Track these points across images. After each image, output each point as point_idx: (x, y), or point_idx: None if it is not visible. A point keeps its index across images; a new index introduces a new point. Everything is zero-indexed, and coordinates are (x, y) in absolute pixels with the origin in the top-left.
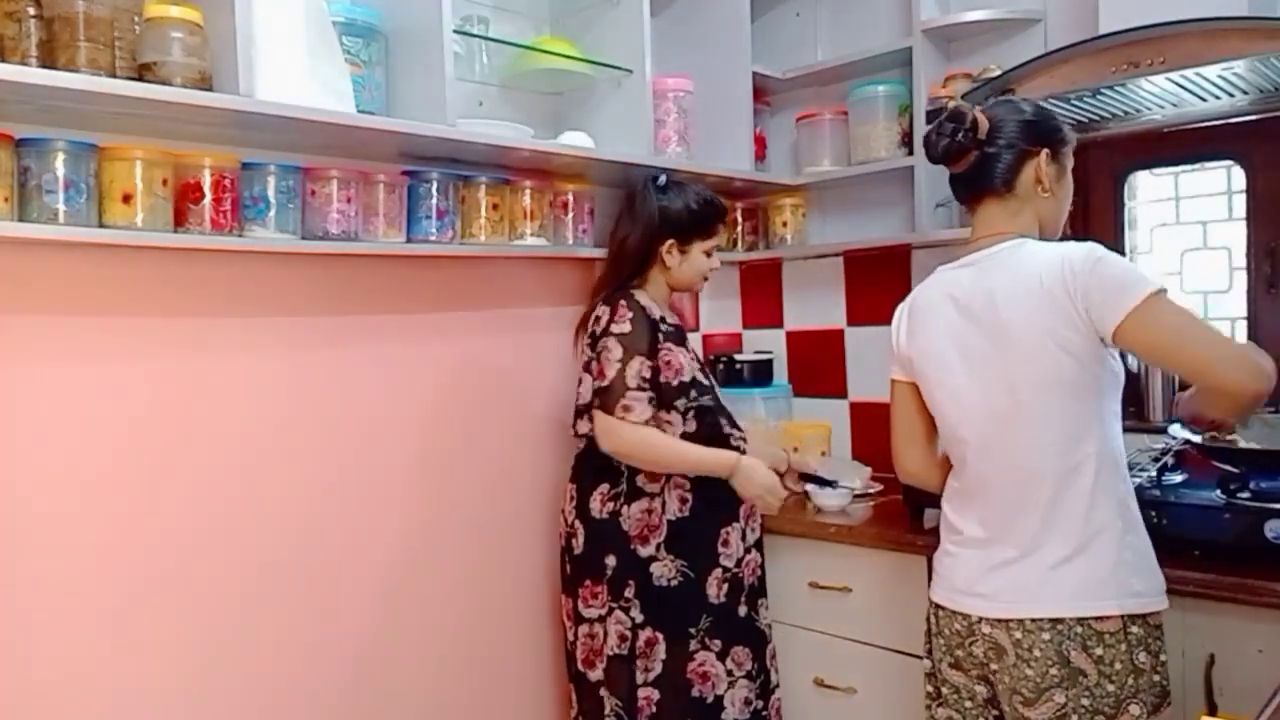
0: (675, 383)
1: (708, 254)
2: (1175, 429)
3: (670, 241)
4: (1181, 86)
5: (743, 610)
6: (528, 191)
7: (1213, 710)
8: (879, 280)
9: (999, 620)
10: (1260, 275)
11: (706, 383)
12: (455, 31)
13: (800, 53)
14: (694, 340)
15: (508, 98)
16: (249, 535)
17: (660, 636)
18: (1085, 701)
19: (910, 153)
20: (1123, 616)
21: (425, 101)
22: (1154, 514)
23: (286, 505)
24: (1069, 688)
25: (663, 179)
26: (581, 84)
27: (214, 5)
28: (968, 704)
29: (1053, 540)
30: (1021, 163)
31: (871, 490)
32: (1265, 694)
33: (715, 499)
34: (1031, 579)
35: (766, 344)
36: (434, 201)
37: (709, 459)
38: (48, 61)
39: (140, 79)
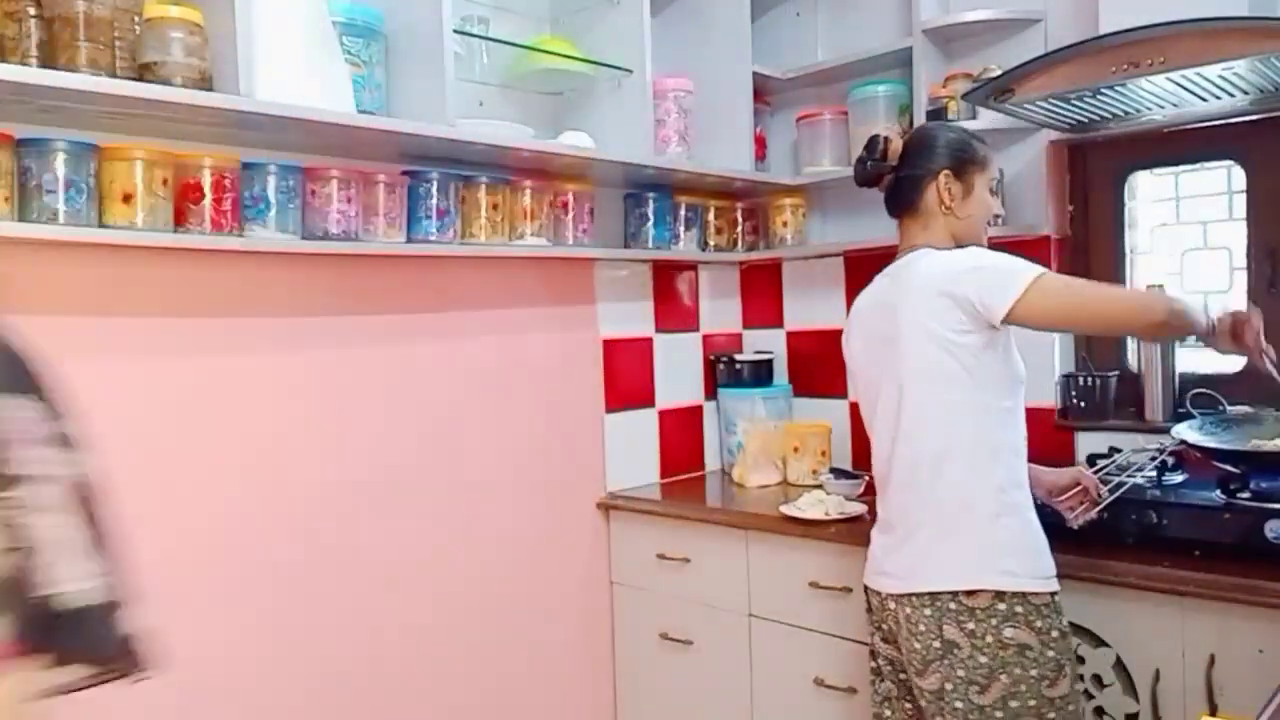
0: None
1: None
2: (1178, 428)
3: None
4: (1181, 86)
5: None
6: (528, 191)
7: (1213, 710)
8: None
9: (897, 595)
10: (1260, 275)
11: None
12: (455, 31)
13: (800, 53)
14: (694, 340)
15: (508, 98)
16: (249, 534)
17: None
18: (960, 673)
19: None
20: (994, 592)
21: (425, 101)
22: (1154, 514)
23: (286, 504)
24: (945, 659)
25: None
26: (581, 84)
27: (214, 5)
28: (900, 675)
29: (929, 520)
30: (925, 183)
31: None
32: (1265, 694)
33: None
34: (914, 556)
35: (766, 344)
36: (434, 201)
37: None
38: (48, 61)
39: (140, 79)
